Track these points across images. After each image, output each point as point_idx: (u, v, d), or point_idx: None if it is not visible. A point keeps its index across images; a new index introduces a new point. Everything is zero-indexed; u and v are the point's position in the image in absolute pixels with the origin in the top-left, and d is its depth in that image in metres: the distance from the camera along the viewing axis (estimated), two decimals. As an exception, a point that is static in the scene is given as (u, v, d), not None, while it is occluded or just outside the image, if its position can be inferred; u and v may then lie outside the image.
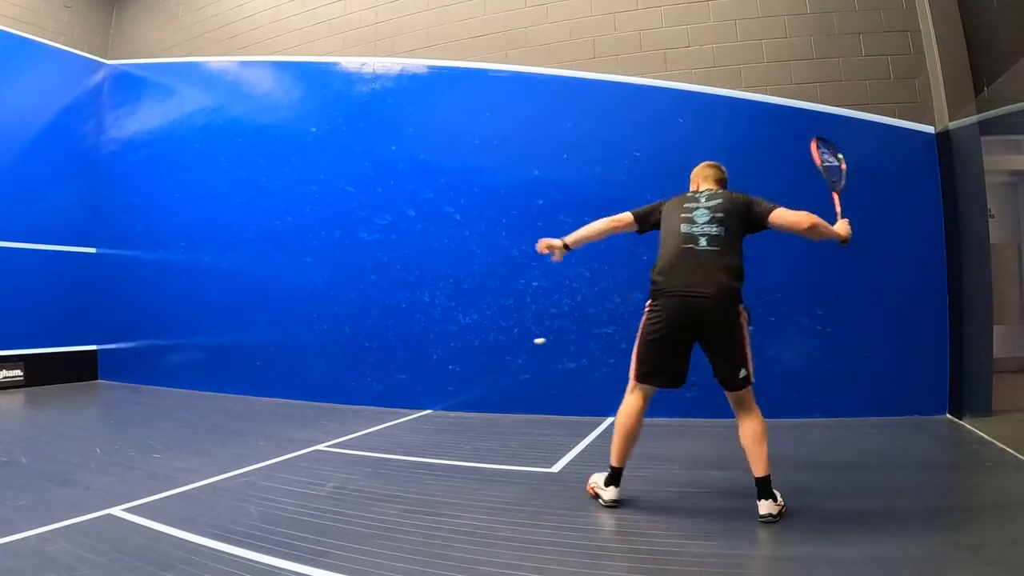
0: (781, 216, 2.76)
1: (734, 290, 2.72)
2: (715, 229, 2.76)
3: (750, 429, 2.72)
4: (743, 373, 2.72)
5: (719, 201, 2.83)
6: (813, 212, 2.80)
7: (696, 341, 2.80)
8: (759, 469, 2.67)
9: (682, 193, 3.03)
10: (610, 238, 3.19)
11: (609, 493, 2.89)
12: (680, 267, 2.76)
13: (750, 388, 2.75)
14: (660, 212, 2.97)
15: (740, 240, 2.81)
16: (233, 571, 2.20)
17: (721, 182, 3.03)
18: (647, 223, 3.02)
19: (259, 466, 3.75)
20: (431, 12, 6.27)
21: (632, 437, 2.87)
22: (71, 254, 8.11)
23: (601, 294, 5.30)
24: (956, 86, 4.64)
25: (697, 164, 3.14)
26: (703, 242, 2.75)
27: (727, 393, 2.79)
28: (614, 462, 2.90)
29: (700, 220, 2.79)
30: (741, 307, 2.75)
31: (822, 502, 2.84)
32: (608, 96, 5.53)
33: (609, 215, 3.09)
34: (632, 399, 2.88)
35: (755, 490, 2.66)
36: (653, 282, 2.85)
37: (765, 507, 2.65)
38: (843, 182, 3.08)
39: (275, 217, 6.78)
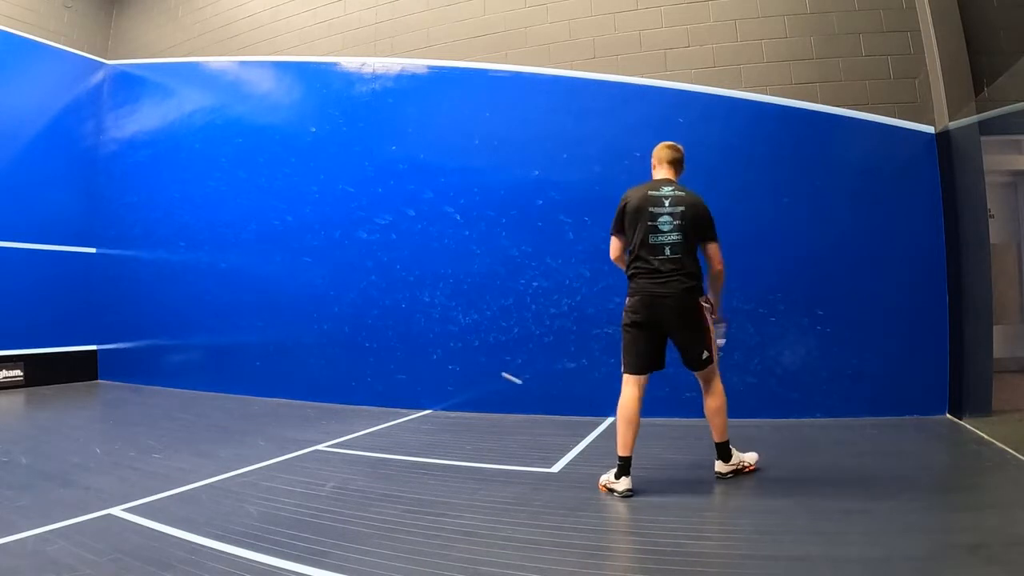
0: (711, 250, 3.20)
1: (693, 288, 3.12)
2: (677, 237, 3.11)
3: (712, 404, 3.20)
4: (705, 354, 3.13)
5: (683, 208, 3.13)
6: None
7: (665, 331, 3.13)
8: (718, 436, 3.23)
9: (642, 185, 3.26)
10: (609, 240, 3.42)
11: (623, 484, 3.01)
12: (647, 274, 3.12)
13: (714, 367, 3.19)
14: (625, 209, 3.22)
15: (695, 244, 3.19)
16: (233, 571, 2.21)
17: (676, 163, 3.33)
18: (624, 229, 3.26)
19: (259, 466, 3.76)
20: (431, 12, 6.26)
21: (633, 423, 3.06)
22: (71, 254, 8.11)
23: (601, 294, 5.29)
24: (956, 86, 4.63)
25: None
26: (667, 251, 3.11)
27: (695, 373, 3.21)
28: (621, 451, 3.04)
29: (664, 228, 3.12)
30: (701, 298, 3.15)
31: (822, 502, 2.84)
32: (608, 96, 5.52)
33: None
34: (627, 390, 3.13)
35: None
36: (629, 280, 3.21)
37: (720, 466, 3.25)
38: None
39: (275, 217, 6.78)
